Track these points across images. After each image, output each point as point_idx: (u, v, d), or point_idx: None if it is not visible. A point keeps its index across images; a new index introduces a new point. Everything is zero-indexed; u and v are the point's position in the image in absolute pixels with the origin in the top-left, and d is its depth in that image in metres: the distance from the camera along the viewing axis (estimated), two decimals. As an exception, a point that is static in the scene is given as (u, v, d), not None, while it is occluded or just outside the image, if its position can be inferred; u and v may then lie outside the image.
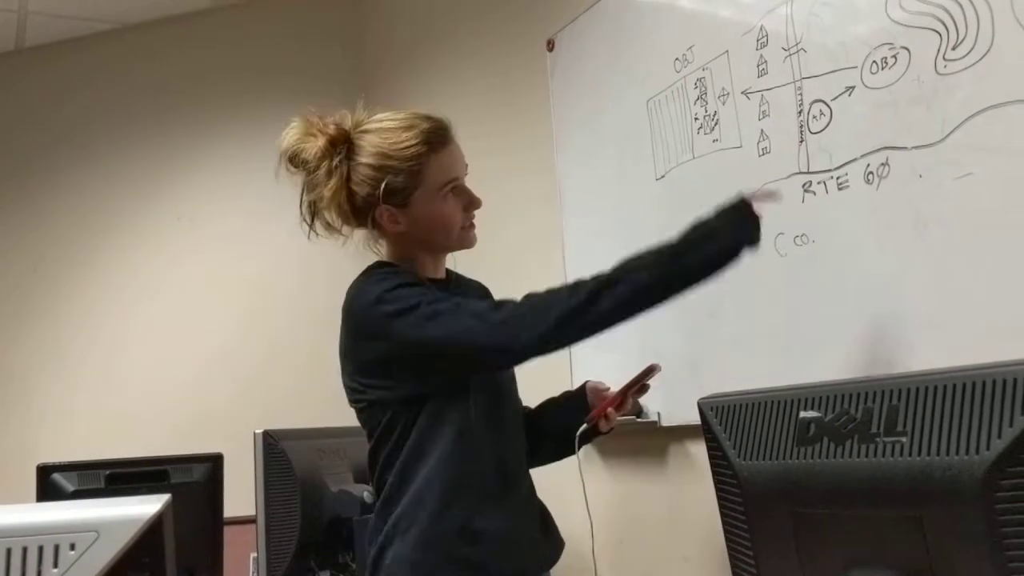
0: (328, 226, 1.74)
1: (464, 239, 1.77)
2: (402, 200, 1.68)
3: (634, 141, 2.23)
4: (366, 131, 1.70)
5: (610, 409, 1.79)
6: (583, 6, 2.43)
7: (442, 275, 1.83)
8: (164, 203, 3.71)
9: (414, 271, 1.74)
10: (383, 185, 1.66)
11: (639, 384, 1.80)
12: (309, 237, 1.73)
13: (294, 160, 1.70)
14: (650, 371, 1.79)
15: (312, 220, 1.73)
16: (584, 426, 1.80)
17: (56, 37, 3.75)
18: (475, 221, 1.77)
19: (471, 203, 1.73)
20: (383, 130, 1.69)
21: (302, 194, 1.73)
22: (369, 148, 1.68)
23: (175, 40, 3.78)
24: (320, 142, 1.67)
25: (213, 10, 3.80)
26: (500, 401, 1.74)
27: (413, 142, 1.67)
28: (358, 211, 1.71)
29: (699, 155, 2.03)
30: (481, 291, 1.93)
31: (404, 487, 1.63)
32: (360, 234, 1.81)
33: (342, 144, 1.69)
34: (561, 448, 1.85)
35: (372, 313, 1.61)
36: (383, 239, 1.77)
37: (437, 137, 1.69)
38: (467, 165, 1.75)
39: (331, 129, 1.69)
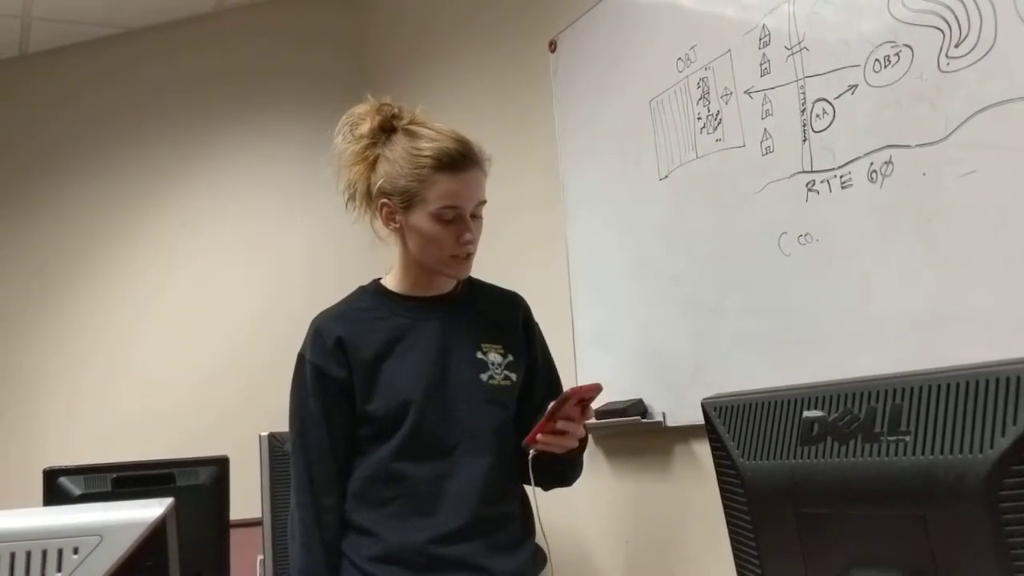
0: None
1: (451, 266, 1.80)
2: (402, 203, 1.75)
3: (637, 141, 2.23)
4: (407, 131, 1.78)
5: (540, 435, 1.68)
6: (584, 7, 2.43)
7: (439, 291, 1.85)
8: (168, 207, 3.71)
9: (398, 289, 1.84)
10: (382, 180, 1.76)
11: (554, 413, 1.66)
12: (347, 207, 1.85)
13: (349, 126, 1.83)
14: (566, 399, 1.65)
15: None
16: (532, 453, 1.70)
17: (60, 42, 3.76)
18: (473, 253, 1.79)
19: (461, 235, 1.75)
20: (417, 135, 1.76)
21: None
22: (399, 145, 1.76)
23: (179, 44, 3.79)
24: (367, 125, 1.80)
25: (216, 14, 3.81)
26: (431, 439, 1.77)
27: (427, 155, 1.73)
28: (369, 196, 1.81)
29: (702, 155, 2.03)
30: (505, 305, 1.91)
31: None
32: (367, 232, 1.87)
33: (385, 133, 1.79)
34: (545, 473, 1.78)
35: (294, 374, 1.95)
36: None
37: (451, 160, 1.73)
38: (484, 201, 1.79)
39: (377, 120, 1.79)
